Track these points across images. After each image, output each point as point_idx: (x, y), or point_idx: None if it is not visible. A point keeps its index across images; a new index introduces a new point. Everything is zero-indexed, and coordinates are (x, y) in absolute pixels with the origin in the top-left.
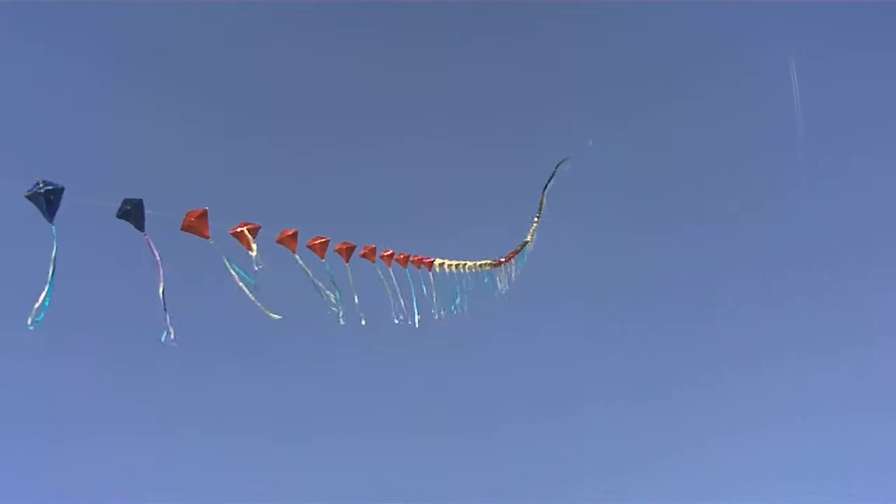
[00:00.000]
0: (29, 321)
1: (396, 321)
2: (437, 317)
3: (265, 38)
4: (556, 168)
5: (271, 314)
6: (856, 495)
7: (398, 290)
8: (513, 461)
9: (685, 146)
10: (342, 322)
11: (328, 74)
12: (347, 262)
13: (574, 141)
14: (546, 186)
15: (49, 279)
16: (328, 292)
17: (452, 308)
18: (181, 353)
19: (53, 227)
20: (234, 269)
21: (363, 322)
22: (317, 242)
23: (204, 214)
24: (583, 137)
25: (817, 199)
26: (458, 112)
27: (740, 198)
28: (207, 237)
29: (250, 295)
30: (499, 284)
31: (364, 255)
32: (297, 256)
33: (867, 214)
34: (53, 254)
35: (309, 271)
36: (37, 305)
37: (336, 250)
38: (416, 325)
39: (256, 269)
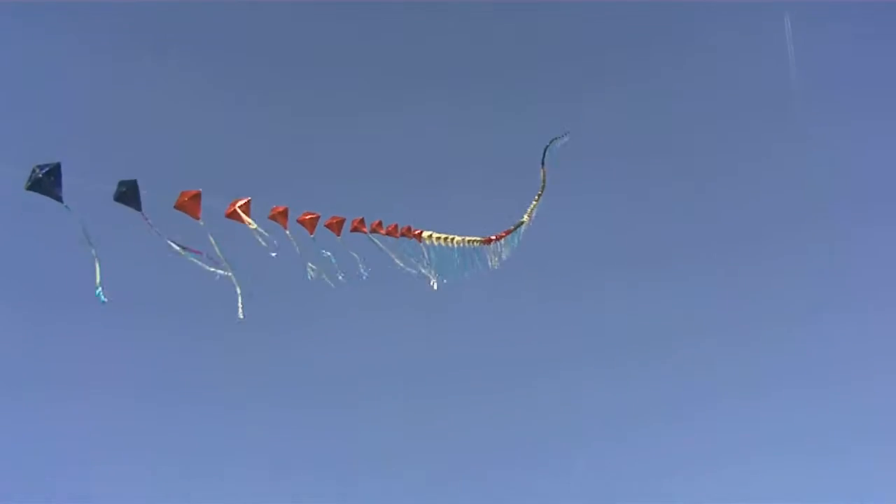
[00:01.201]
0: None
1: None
2: (434, 285)
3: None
4: (552, 142)
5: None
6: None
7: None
8: (516, 420)
9: (681, 109)
10: (333, 285)
11: (320, 43)
12: (339, 235)
13: (572, 110)
14: (543, 161)
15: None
16: (311, 266)
17: (444, 279)
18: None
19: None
20: (198, 261)
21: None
22: (307, 218)
23: (197, 196)
24: (580, 105)
25: (812, 158)
26: (455, 81)
27: (736, 159)
28: (198, 219)
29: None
30: (489, 262)
31: (355, 229)
32: (287, 232)
33: (865, 167)
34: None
35: (295, 244)
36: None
37: (326, 225)
38: (434, 287)
39: (264, 244)
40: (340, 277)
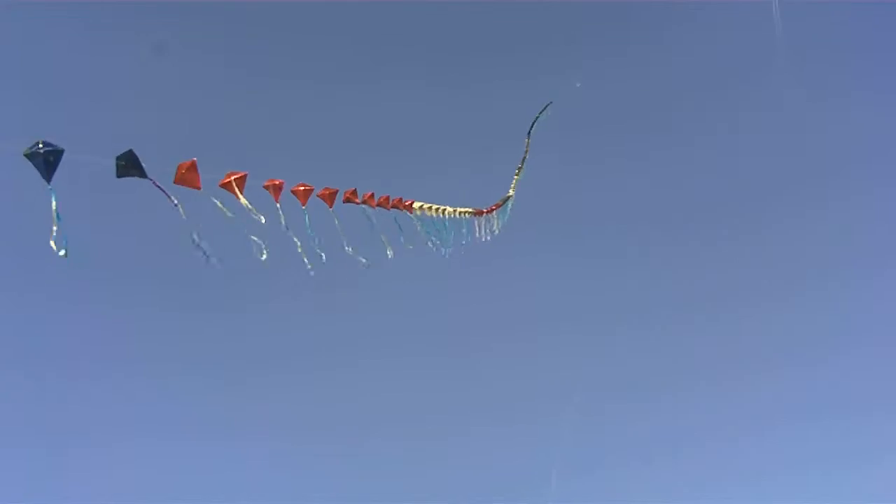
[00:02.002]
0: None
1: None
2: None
3: None
4: (540, 113)
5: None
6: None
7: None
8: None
9: (669, 79)
10: (311, 271)
11: (306, 14)
12: (331, 207)
13: (559, 82)
14: (530, 131)
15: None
16: (296, 239)
17: (435, 246)
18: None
19: (52, 190)
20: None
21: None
22: (300, 189)
23: (193, 166)
24: (567, 77)
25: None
26: (442, 52)
27: (723, 125)
28: (199, 188)
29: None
30: (478, 233)
31: (347, 200)
32: (278, 205)
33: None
34: (54, 206)
35: (282, 218)
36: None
37: (319, 196)
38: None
39: (255, 216)
40: (322, 256)
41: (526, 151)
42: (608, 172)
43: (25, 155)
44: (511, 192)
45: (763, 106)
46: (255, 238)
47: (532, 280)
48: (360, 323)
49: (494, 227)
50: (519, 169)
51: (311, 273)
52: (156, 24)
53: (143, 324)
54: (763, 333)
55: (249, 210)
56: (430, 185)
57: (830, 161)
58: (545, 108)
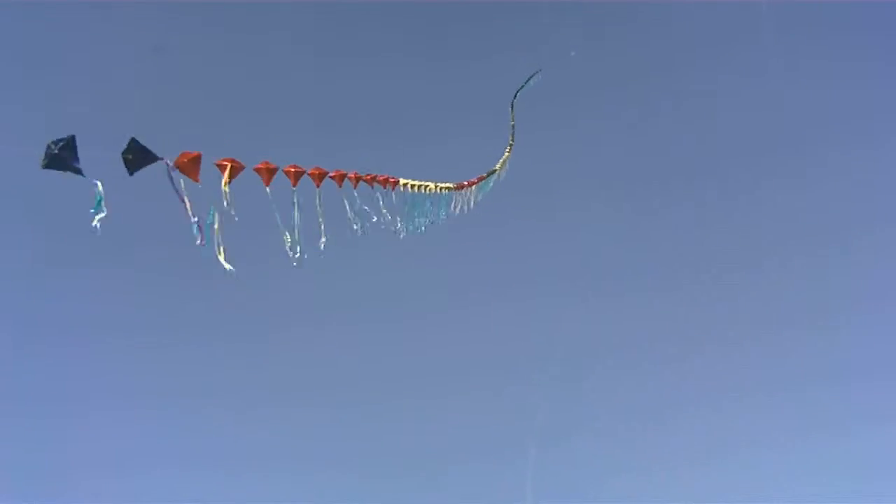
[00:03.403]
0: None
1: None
2: (402, 235)
3: None
4: (528, 80)
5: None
6: None
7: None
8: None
9: (656, 48)
10: (295, 263)
11: None
12: (318, 186)
13: (547, 52)
14: (515, 96)
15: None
16: (286, 232)
17: (417, 225)
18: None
19: (98, 184)
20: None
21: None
22: (292, 170)
23: (197, 158)
24: (557, 48)
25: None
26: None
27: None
28: (198, 181)
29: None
30: (454, 207)
31: (333, 178)
32: (267, 190)
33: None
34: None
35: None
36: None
37: (309, 175)
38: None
39: (226, 204)
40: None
41: (512, 123)
42: (584, 138)
43: (44, 167)
44: (497, 166)
45: (747, 71)
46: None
47: (508, 247)
48: (331, 290)
49: (472, 201)
50: (510, 146)
51: (295, 264)
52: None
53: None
54: (747, 298)
55: (225, 197)
56: (412, 159)
57: (814, 125)
58: (533, 77)
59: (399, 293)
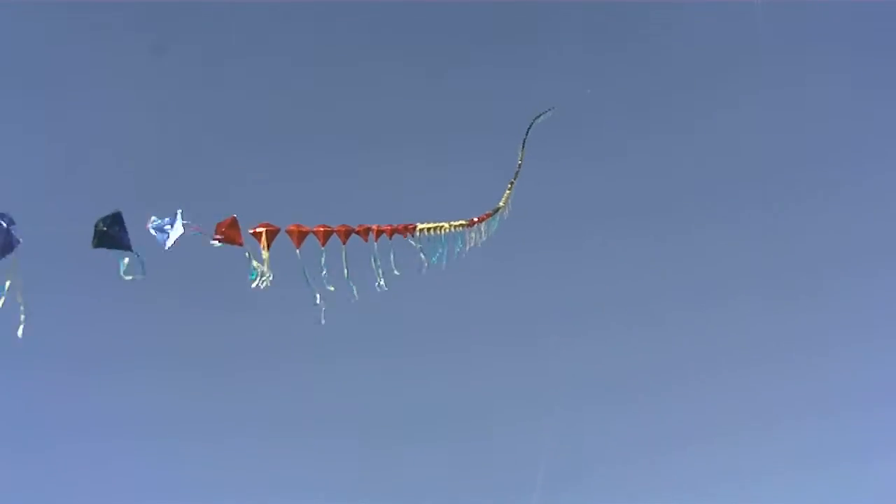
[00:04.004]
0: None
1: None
2: (422, 271)
3: None
4: (539, 116)
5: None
6: None
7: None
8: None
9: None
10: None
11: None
12: (344, 243)
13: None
14: (524, 141)
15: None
16: (318, 293)
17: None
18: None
19: (139, 255)
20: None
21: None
22: (320, 230)
23: (234, 223)
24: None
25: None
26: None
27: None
28: (241, 244)
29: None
30: (468, 244)
31: (358, 234)
32: (297, 252)
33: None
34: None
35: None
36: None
37: (336, 233)
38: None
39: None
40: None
41: (520, 163)
42: (591, 168)
43: (95, 246)
44: (501, 203)
45: (753, 91)
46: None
47: (515, 283)
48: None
49: (482, 236)
50: (511, 183)
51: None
52: None
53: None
54: (755, 331)
55: (264, 266)
56: (422, 191)
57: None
58: (544, 113)
59: (396, 336)
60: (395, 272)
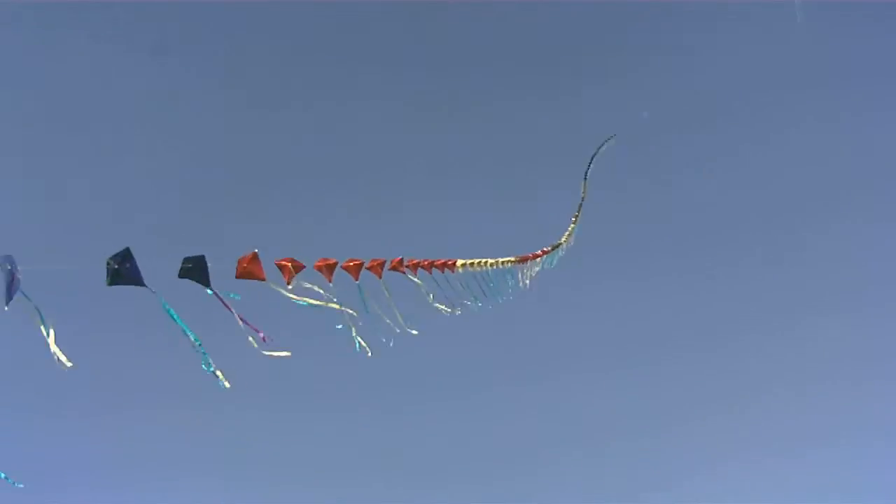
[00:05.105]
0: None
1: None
2: (458, 312)
3: None
4: (600, 147)
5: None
6: None
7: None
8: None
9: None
10: (361, 347)
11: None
12: (381, 277)
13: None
14: (587, 173)
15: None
16: (352, 328)
17: (477, 302)
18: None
19: (164, 301)
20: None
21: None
22: (352, 265)
23: (255, 258)
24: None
25: None
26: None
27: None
28: (264, 279)
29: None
30: (520, 281)
31: (393, 268)
32: (331, 285)
33: None
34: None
35: (336, 302)
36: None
37: (367, 268)
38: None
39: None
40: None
41: (583, 197)
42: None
43: (109, 284)
44: (563, 240)
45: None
46: None
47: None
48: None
49: (534, 273)
50: (576, 217)
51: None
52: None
53: None
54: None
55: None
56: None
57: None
58: (605, 143)
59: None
60: (441, 307)
